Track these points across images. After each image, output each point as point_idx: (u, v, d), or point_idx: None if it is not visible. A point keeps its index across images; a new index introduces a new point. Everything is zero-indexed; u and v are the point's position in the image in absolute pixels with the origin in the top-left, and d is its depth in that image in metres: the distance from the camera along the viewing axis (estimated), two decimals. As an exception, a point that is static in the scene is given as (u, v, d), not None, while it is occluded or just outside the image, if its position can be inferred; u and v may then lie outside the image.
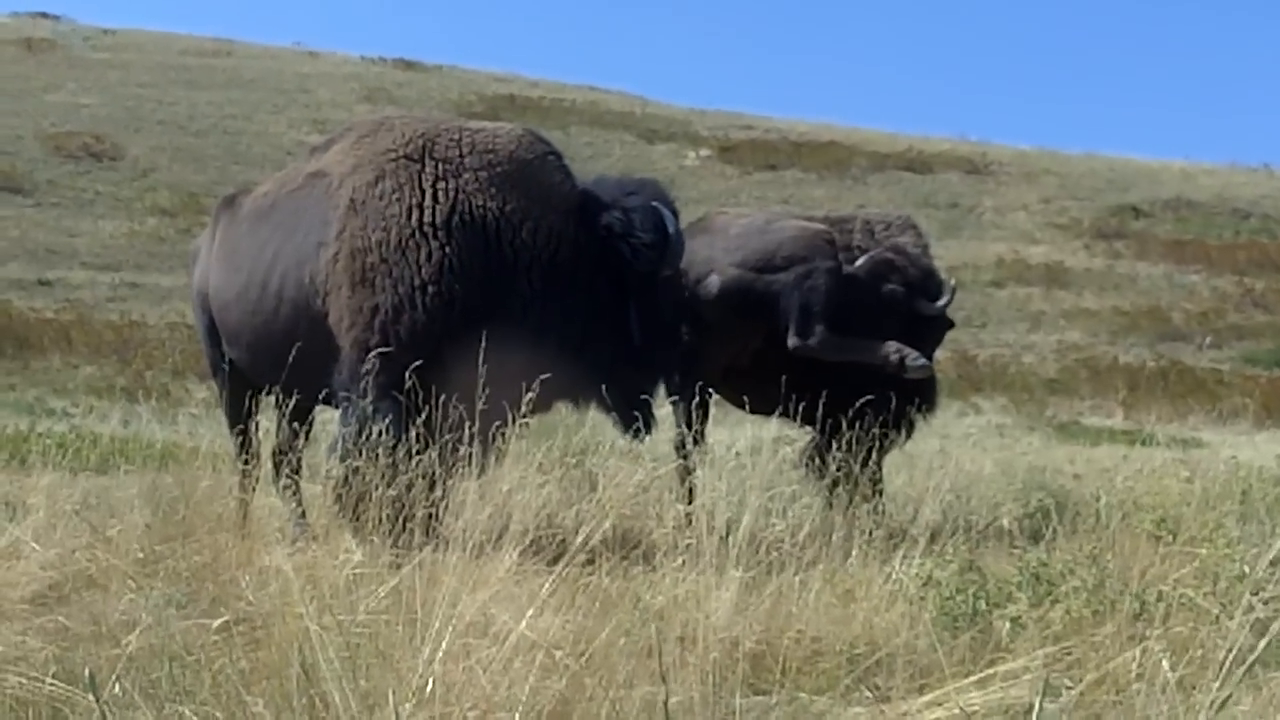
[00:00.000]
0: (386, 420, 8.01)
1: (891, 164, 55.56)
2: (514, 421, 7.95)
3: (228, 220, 9.75)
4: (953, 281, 11.16)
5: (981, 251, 44.06)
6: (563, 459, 9.16)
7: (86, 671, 4.85)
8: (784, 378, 10.36)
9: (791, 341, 10.42)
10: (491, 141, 8.86)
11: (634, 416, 9.01)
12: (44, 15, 73.00)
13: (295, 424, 9.27)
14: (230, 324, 9.41)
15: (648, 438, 9.27)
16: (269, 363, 8.86)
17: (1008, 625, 6.32)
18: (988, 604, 6.52)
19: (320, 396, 9.07)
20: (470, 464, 7.77)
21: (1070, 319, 38.61)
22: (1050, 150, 61.49)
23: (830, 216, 11.73)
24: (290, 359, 8.40)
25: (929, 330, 10.84)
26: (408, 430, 7.83)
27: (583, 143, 56.05)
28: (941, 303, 10.80)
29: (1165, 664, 5.23)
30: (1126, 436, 21.31)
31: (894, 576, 6.75)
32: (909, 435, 10.93)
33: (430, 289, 8.36)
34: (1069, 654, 6.07)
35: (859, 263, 10.65)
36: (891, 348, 10.30)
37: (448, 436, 7.81)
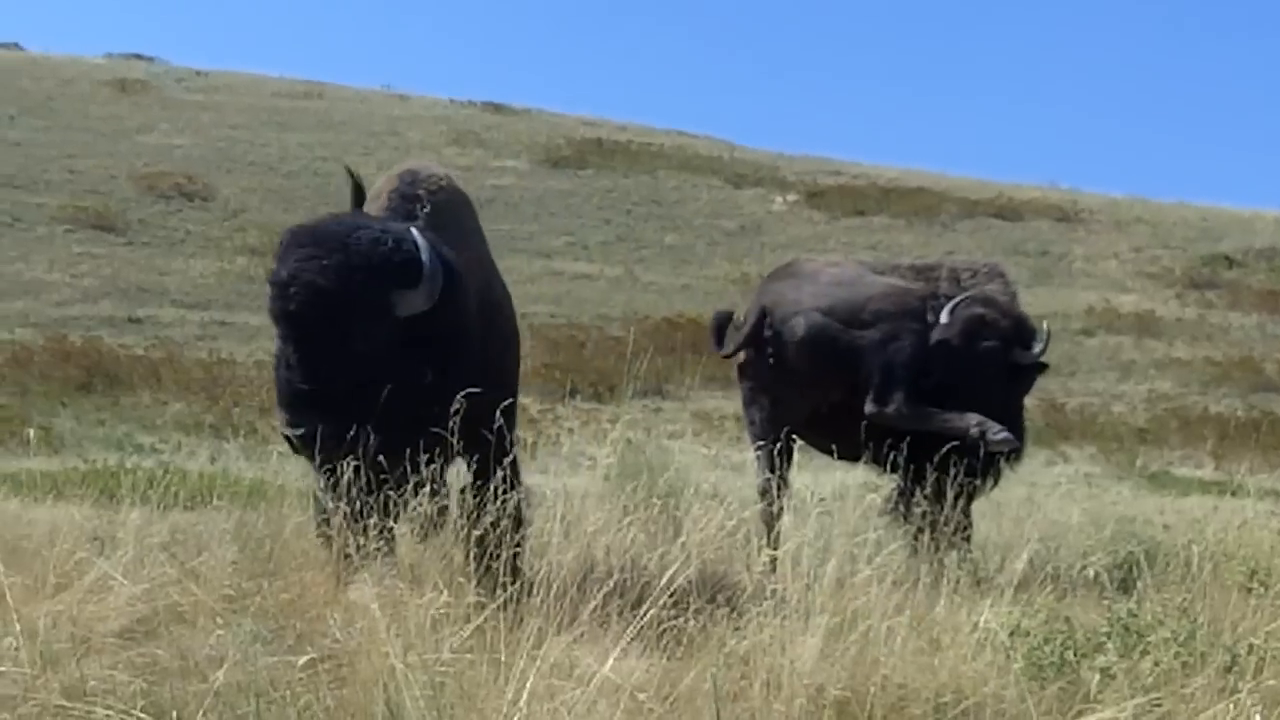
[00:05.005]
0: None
1: (981, 211, 55.23)
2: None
3: None
4: (1045, 325, 11.10)
5: (1072, 300, 43.70)
6: (647, 501, 9.15)
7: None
8: (865, 424, 10.35)
9: (869, 408, 10.42)
10: None
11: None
12: (138, 57, 73.80)
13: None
14: None
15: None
16: None
17: (1097, 676, 6.25)
18: (1076, 654, 6.45)
19: None
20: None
21: (1161, 368, 38.22)
22: (1142, 198, 60.94)
23: (916, 264, 11.72)
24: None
25: (1026, 376, 10.81)
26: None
27: (670, 187, 56.12)
28: (1037, 349, 10.75)
29: (1257, 717, 5.17)
30: (1217, 487, 21.07)
31: (981, 625, 6.69)
32: (996, 482, 10.87)
33: None
34: (1159, 706, 6.01)
35: (944, 319, 10.59)
36: (972, 420, 10.23)
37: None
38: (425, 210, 8.25)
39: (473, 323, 8.12)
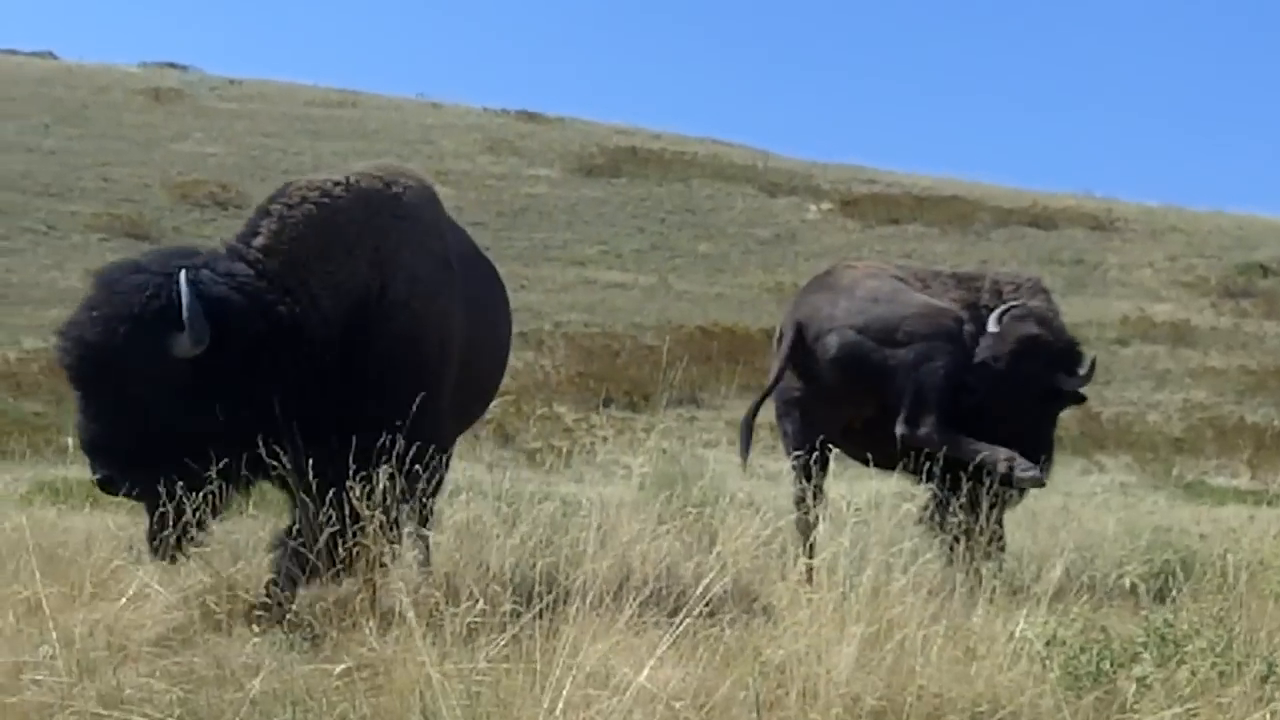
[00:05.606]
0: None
1: (1015, 219, 55.04)
2: None
3: None
4: (1093, 356, 11.04)
5: (1106, 309, 43.53)
6: (682, 510, 9.15)
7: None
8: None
9: (899, 429, 10.35)
10: None
11: None
12: (172, 65, 74.03)
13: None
14: None
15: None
16: None
17: (1133, 686, 6.24)
18: (1112, 664, 6.44)
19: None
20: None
21: (1196, 378, 38.00)
22: (1177, 207, 60.69)
23: (958, 273, 11.65)
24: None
25: (1062, 401, 10.76)
26: None
27: (704, 195, 56.11)
28: (1081, 376, 10.70)
29: (1295, 728, 5.15)
30: (1253, 497, 20.93)
31: (1017, 634, 6.68)
32: (1023, 492, 10.81)
33: None
34: (1195, 716, 6.01)
35: (992, 327, 10.52)
36: (1002, 455, 10.14)
37: None
38: (272, 226, 8.27)
39: (314, 347, 8.11)
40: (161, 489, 7.51)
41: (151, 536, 7.72)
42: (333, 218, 8.40)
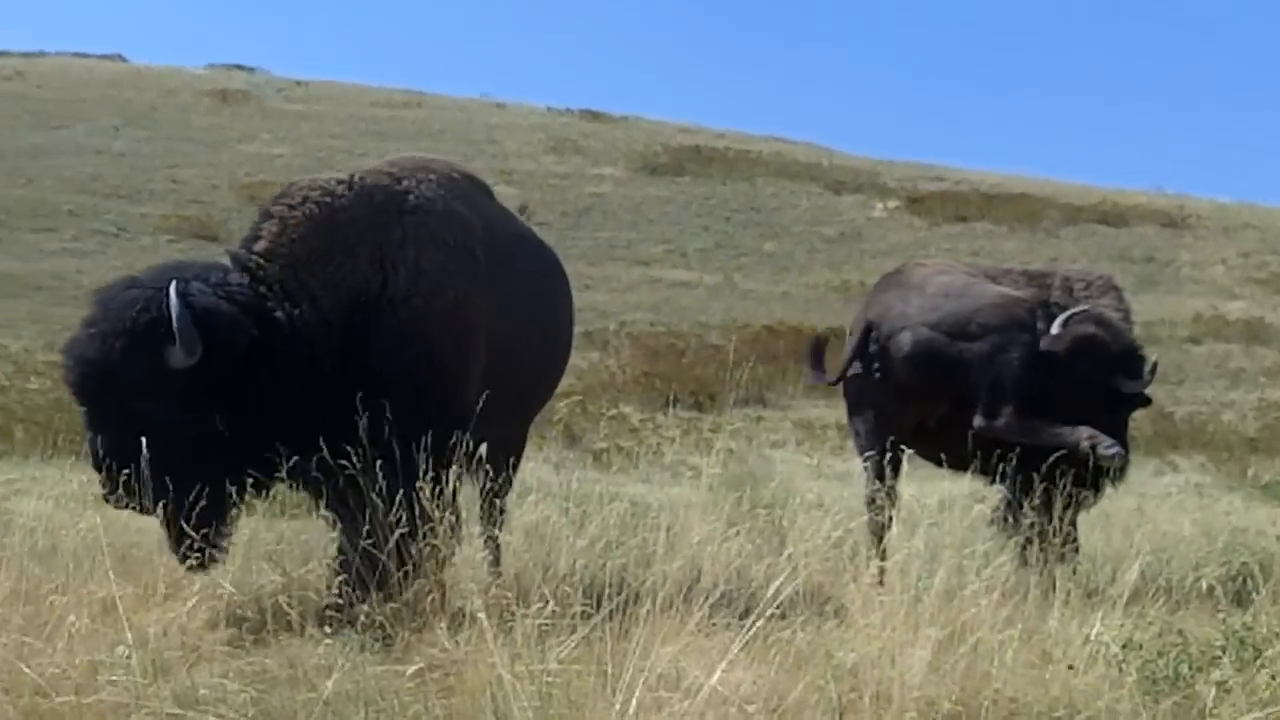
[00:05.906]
0: None
1: (1085, 217, 54.73)
2: None
3: None
4: (1154, 358, 10.88)
5: (1178, 306, 43.15)
6: (752, 511, 9.11)
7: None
8: (973, 434, 10.24)
9: (978, 422, 10.26)
10: None
11: None
12: (239, 67, 74.73)
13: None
14: None
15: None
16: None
17: (1213, 690, 6.15)
18: (1190, 668, 6.35)
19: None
20: None
21: (1271, 376, 37.55)
22: (1250, 204, 60.24)
23: (1029, 270, 11.53)
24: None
25: (1126, 404, 10.61)
26: None
27: (769, 194, 56.06)
28: (1142, 381, 10.56)
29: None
30: (1330, 498, 20.68)
31: (1093, 638, 6.60)
32: (1100, 492, 10.70)
33: None
34: (1276, 721, 5.91)
35: (1055, 330, 10.41)
36: (1084, 434, 10.03)
37: None
38: (273, 229, 8.31)
39: (314, 348, 8.11)
40: (173, 499, 7.63)
41: (175, 545, 7.80)
42: (334, 217, 8.40)
